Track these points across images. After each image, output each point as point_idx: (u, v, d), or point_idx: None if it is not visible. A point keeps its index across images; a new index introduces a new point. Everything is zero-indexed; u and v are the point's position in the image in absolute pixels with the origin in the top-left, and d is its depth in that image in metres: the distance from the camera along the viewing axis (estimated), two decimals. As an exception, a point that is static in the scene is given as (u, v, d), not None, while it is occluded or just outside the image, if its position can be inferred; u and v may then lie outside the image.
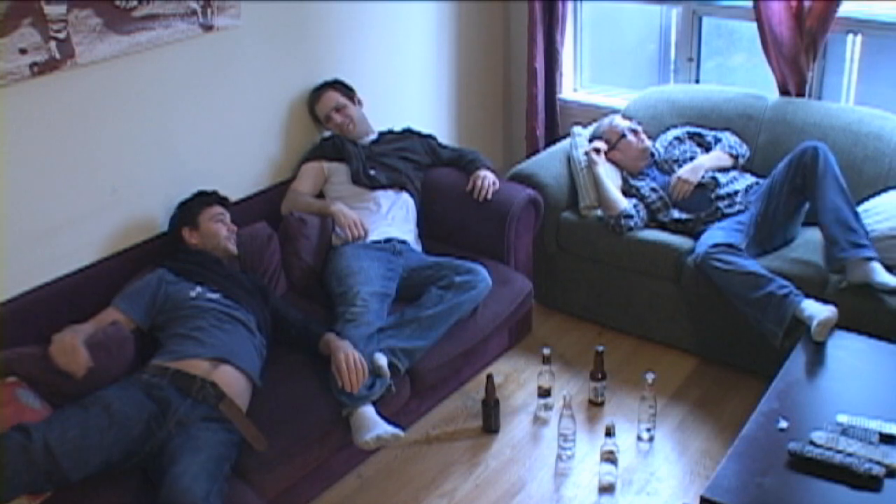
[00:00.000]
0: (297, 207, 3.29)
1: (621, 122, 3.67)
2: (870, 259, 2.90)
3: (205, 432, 2.37)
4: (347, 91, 3.52)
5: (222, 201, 3.02)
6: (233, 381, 2.53)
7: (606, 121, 3.76)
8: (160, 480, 2.24)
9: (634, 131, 3.62)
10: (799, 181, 3.10)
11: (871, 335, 2.78)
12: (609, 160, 3.62)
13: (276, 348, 2.82)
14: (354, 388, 2.63)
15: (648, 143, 3.62)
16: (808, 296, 2.93)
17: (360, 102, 3.55)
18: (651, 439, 3.03)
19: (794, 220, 3.23)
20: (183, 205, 2.97)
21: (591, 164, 3.55)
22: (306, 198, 3.34)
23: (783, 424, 2.39)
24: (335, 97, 3.47)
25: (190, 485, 2.18)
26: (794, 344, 2.82)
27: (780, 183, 3.14)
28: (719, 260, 3.08)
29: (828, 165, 3.05)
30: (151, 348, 2.63)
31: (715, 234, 3.22)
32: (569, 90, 4.47)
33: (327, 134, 3.56)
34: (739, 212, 3.31)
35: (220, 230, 2.92)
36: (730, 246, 3.11)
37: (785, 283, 2.98)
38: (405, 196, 3.44)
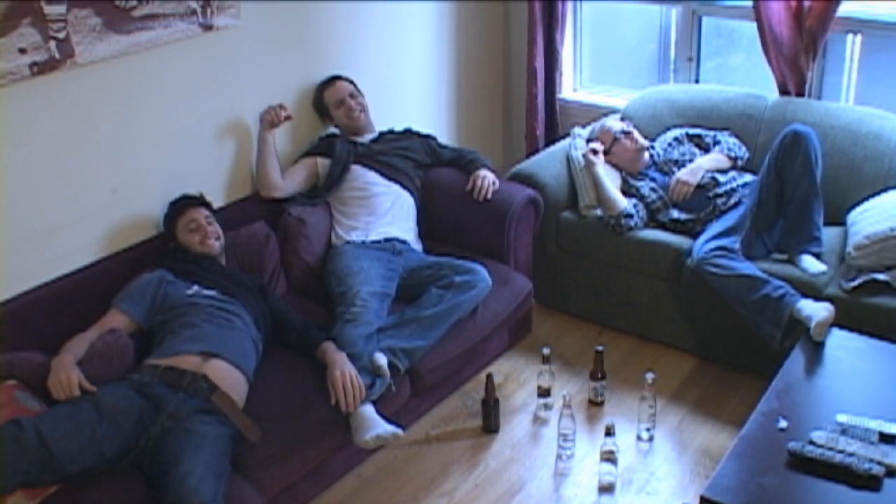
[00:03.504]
0: (260, 168, 3.27)
1: (614, 125, 3.66)
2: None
3: (201, 426, 2.38)
4: (356, 86, 3.52)
5: (193, 202, 2.96)
6: (224, 374, 2.52)
7: (599, 123, 3.77)
8: (162, 480, 2.24)
9: (627, 133, 3.61)
10: (780, 164, 3.11)
11: (871, 335, 2.78)
12: (606, 162, 3.62)
13: (276, 348, 2.82)
14: (350, 407, 2.62)
15: (643, 141, 3.61)
16: (805, 295, 2.93)
17: (366, 102, 3.54)
18: (651, 439, 3.03)
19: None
20: (164, 222, 2.96)
21: (588, 166, 3.55)
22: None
23: (783, 424, 2.39)
24: (349, 86, 3.48)
25: (198, 485, 2.19)
26: (793, 344, 2.82)
27: (767, 168, 3.16)
28: (714, 265, 3.08)
29: (809, 146, 3.07)
30: (150, 351, 2.64)
31: (709, 235, 3.22)
32: (569, 90, 4.47)
33: (324, 133, 3.55)
34: (738, 203, 3.30)
35: (193, 239, 2.89)
36: (724, 249, 3.11)
37: (781, 283, 2.98)
38: (405, 195, 3.43)
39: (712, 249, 3.12)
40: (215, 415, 2.44)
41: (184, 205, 2.94)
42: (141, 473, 2.35)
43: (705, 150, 3.60)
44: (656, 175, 3.57)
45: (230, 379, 2.54)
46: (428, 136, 3.67)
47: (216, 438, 2.37)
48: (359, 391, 2.64)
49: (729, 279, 3.04)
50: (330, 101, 3.47)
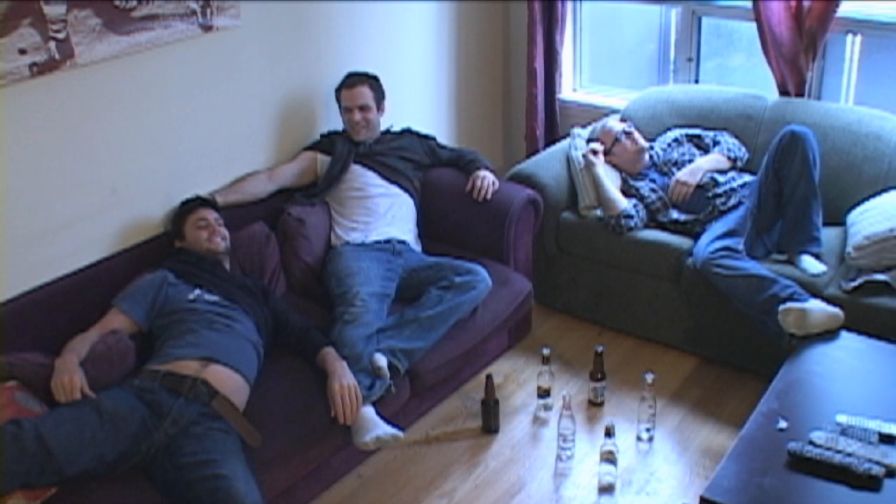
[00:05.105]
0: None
1: (615, 126, 3.67)
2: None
3: (217, 433, 2.39)
4: (379, 95, 3.45)
5: (204, 203, 3.00)
6: (225, 379, 2.52)
7: (600, 124, 3.77)
8: (193, 485, 2.27)
9: (628, 133, 3.61)
10: (777, 165, 3.11)
11: (870, 335, 2.78)
12: (607, 163, 3.62)
13: (277, 349, 2.82)
14: (348, 420, 2.63)
15: (643, 142, 3.61)
16: (814, 296, 2.92)
17: (383, 110, 3.49)
18: (651, 439, 3.03)
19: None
20: (173, 219, 2.99)
21: (588, 166, 3.55)
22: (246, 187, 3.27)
23: (783, 424, 2.39)
24: (367, 96, 3.39)
25: (247, 489, 2.26)
26: (801, 343, 2.81)
27: (765, 169, 3.16)
28: (720, 266, 3.07)
29: (807, 147, 3.07)
30: (150, 356, 2.63)
31: (712, 235, 3.21)
32: (568, 90, 4.47)
33: (325, 131, 3.55)
34: (738, 204, 3.30)
35: (200, 235, 2.91)
36: (729, 249, 3.10)
37: (789, 283, 2.97)
38: (404, 197, 3.43)
39: (718, 250, 3.11)
40: (220, 420, 2.44)
41: (196, 204, 2.99)
42: (142, 476, 2.34)
43: (705, 150, 3.60)
44: (656, 176, 3.57)
45: (231, 383, 2.54)
46: (427, 137, 3.67)
47: (236, 445, 2.40)
48: (357, 403, 2.63)
49: (736, 279, 3.03)
50: (342, 102, 3.43)
